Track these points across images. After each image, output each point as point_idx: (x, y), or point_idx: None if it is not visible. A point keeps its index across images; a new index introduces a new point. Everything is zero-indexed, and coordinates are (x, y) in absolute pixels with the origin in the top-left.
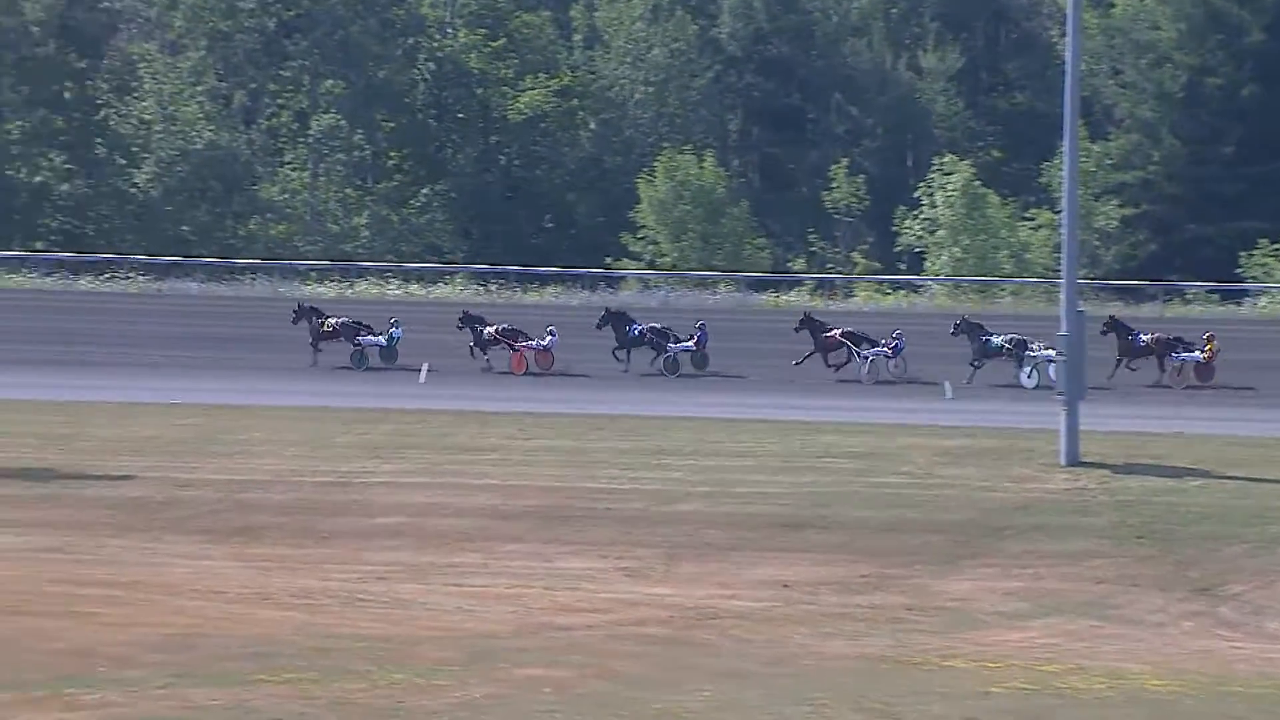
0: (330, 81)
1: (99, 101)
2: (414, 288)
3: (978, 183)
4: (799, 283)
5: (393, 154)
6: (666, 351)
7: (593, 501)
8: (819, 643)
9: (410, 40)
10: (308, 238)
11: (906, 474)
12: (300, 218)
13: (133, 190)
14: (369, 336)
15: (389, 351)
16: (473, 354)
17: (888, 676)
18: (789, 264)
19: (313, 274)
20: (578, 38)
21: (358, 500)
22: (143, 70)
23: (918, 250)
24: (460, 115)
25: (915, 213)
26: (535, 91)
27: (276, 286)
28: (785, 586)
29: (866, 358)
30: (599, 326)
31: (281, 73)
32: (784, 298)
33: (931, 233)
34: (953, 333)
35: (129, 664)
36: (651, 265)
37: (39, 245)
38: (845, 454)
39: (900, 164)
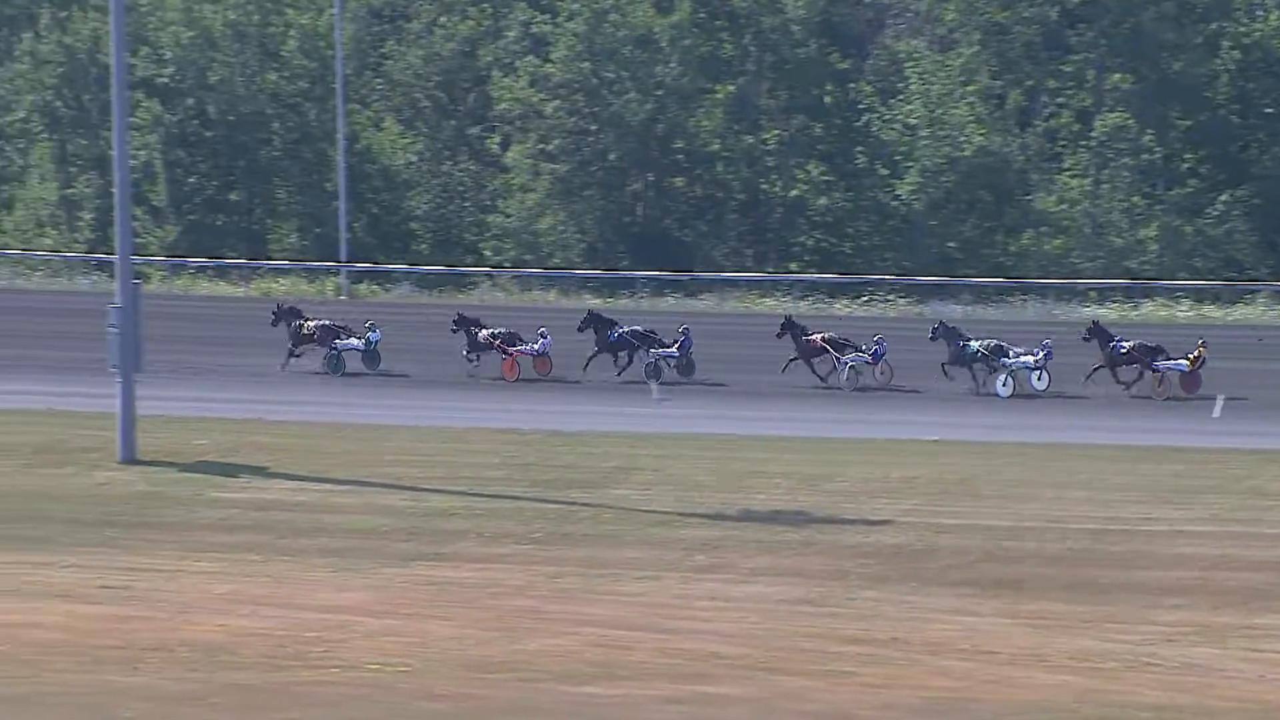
0: (1118, 75)
1: (861, 106)
2: (1209, 308)
3: None
4: None
5: (1187, 155)
6: (648, 357)
7: None
8: None
9: (1213, 26)
10: (1086, 253)
11: None
12: (1079, 231)
13: (894, 203)
14: (346, 340)
15: (370, 355)
16: (467, 358)
17: None
18: None
19: (1092, 294)
20: None
21: (1138, 551)
22: (909, 70)
23: None
24: (1268, 110)
25: None
26: None
27: (1050, 309)
28: None
29: (846, 364)
30: (580, 329)
31: (1062, 68)
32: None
33: None
34: (930, 337)
35: None
36: None
37: (793, 266)
38: None
39: None
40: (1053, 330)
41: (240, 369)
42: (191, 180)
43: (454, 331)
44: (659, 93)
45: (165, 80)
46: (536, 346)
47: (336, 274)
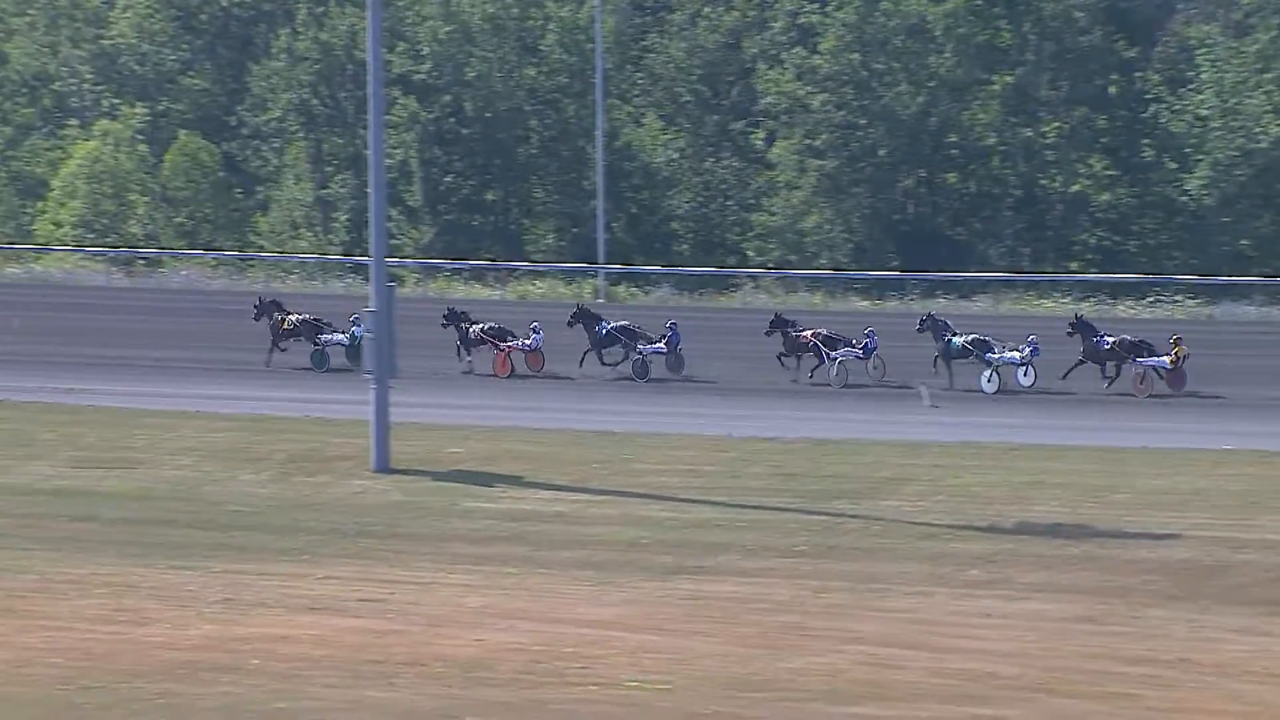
0: None
1: (1148, 96)
2: None
3: None
4: None
5: None
6: (636, 353)
7: None
8: None
9: None
10: None
11: None
12: None
13: (1183, 199)
14: (331, 335)
15: (353, 351)
16: (458, 354)
17: None
18: None
19: None
20: None
21: None
22: (1200, 57)
23: None
24: None
25: None
26: None
27: None
28: None
29: (835, 359)
30: (570, 324)
31: None
32: None
33: None
34: (918, 329)
35: None
36: None
37: (1073, 265)
38: None
39: None
40: None
41: (498, 376)
42: (447, 180)
43: (444, 326)
44: (932, 84)
45: (422, 77)
46: (529, 342)
47: (594, 276)
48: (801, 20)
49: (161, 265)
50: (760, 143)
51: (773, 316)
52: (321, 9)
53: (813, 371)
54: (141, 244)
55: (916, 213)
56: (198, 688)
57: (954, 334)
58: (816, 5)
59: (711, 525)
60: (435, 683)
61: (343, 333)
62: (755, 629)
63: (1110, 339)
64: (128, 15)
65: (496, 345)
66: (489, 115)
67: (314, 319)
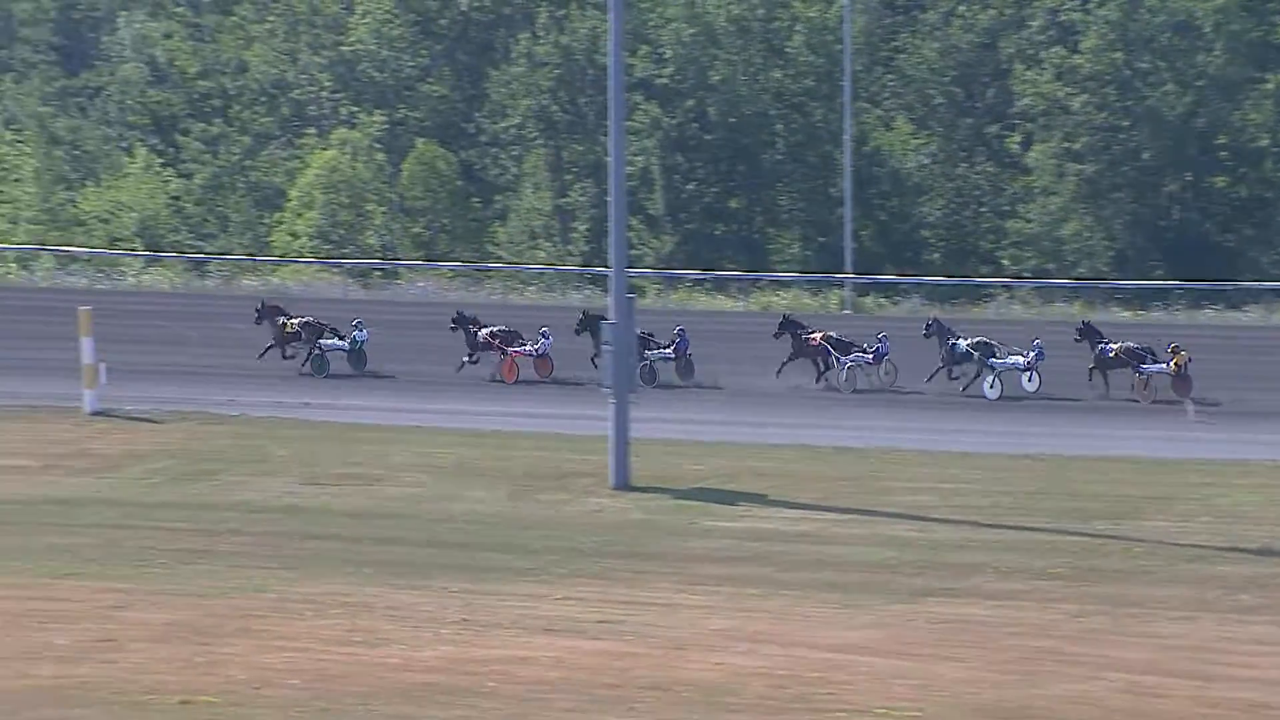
0: None
1: None
2: None
3: None
4: None
5: None
6: (642, 359)
7: None
8: None
9: None
10: None
11: None
12: None
13: None
14: (331, 340)
15: (356, 356)
16: (471, 359)
17: None
18: None
19: None
20: None
21: None
22: None
23: None
24: None
25: None
26: None
27: None
28: None
29: (845, 364)
30: (577, 332)
31: None
32: None
33: None
34: (924, 334)
35: None
36: None
37: None
38: None
39: None
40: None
41: (744, 389)
42: (689, 187)
43: (452, 330)
44: (1200, 84)
45: (664, 81)
46: (537, 347)
47: (841, 286)
48: (1061, 18)
49: (398, 277)
50: (1016, 146)
51: (782, 318)
52: (562, 12)
53: (819, 376)
54: (378, 255)
55: (1182, 218)
56: (434, 710)
57: (957, 338)
58: (1077, 3)
59: (963, 546)
60: (676, 708)
61: (343, 337)
62: (1009, 654)
63: (1113, 346)
64: (366, 21)
65: (503, 350)
66: (733, 120)
67: (316, 322)
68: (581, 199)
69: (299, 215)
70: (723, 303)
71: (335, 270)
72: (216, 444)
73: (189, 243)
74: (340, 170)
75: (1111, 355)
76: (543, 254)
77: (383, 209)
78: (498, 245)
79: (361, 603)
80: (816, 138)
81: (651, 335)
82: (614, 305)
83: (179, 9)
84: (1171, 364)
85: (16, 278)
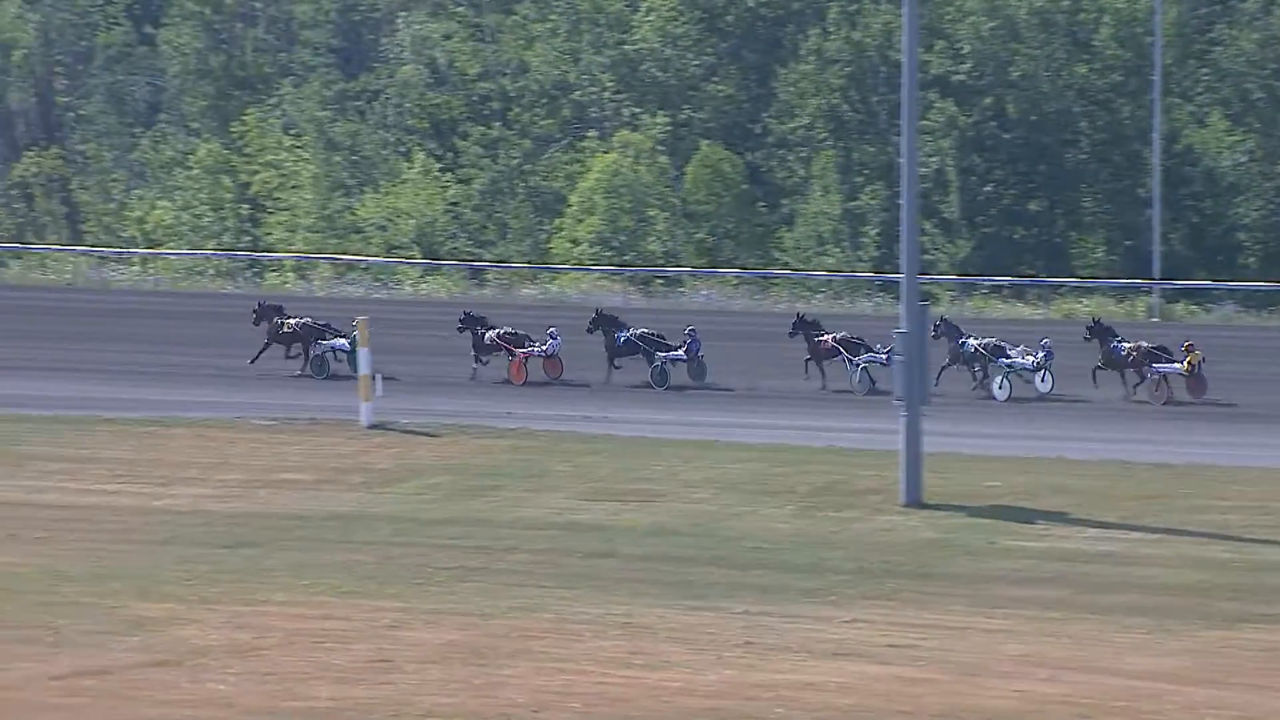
0: None
1: None
2: None
3: None
4: None
5: None
6: (654, 360)
7: None
8: None
9: None
10: None
11: None
12: None
13: None
14: (331, 340)
15: (354, 358)
16: (479, 361)
17: None
18: None
19: None
20: None
21: None
22: None
23: None
24: None
25: None
26: None
27: None
28: None
29: (857, 365)
30: (590, 331)
31: None
32: None
33: None
34: (933, 334)
35: None
36: None
37: None
38: None
39: None
40: None
41: (1025, 396)
42: (986, 189)
43: (460, 331)
44: None
45: (961, 78)
46: (545, 348)
47: (1148, 293)
48: None
49: (681, 285)
50: None
51: (796, 318)
52: (854, 7)
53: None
54: (660, 262)
55: None
56: None
57: (967, 337)
58: None
59: None
60: None
61: (344, 337)
62: None
63: (1127, 345)
64: (651, 19)
65: (511, 351)
66: (1034, 118)
67: (315, 324)
68: (872, 202)
69: (579, 221)
70: (1021, 310)
71: (616, 278)
72: (495, 458)
73: (467, 250)
74: (622, 174)
75: (1124, 354)
76: (831, 260)
77: (665, 214)
78: (784, 251)
79: (642, 623)
80: (1123, 136)
81: (662, 336)
82: (906, 313)
83: (459, 9)
84: (1187, 360)
85: (294, 287)
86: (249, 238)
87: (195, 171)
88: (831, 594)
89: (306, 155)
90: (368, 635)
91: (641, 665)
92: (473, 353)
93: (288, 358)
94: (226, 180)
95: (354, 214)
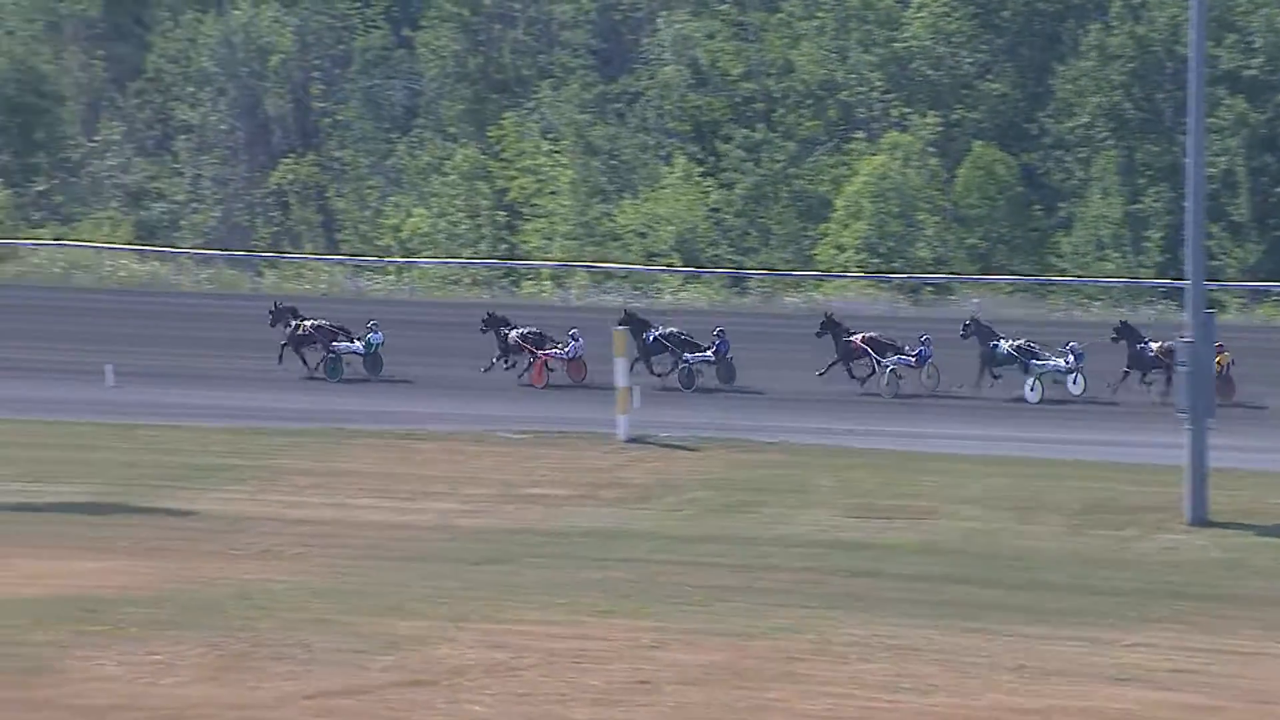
0: None
1: None
2: None
3: None
4: None
5: None
6: (684, 361)
7: None
8: None
9: None
10: None
11: None
12: None
13: None
14: (346, 343)
15: (371, 360)
16: (501, 362)
17: None
18: None
19: None
20: None
21: None
22: None
23: None
24: None
25: None
26: None
27: None
28: None
29: (887, 367)
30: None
31: None
32: None
33: None
34: (962, 335)
35: None
36: None
37: None
38: None
39: None
40: None
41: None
42: (1278, 190)
43: (483, 332)
44: None
45: (1253, 73)
46: (567, 350)
47: None
48: None
49: (951, 292)
50: None
51: (824, 317)
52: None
53: (864, 379)
54: (930, 269)
55: None
56: None
57: (999, 340)
58: None
59: None
60: None
61: (358, 339)
62: None
63: (1155, 345)
64: (922, 15)
65: (533, 352)
66: None
67: (331, 325)
68: (1156, 205)
69: (845, 226)
70: None
71: (883, 285)
72: (755, 473)
73: (728, 257)
74: (890, 177)
75: (1152, 355)
76: (1111, 265)
77: (935, 218)
78: (1061, 256)
79: (909, 645)
80: None
81: (691, 336)
82: (1191, 321)
83: (722, 7)
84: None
85: (550, 295)
86: (505, 245)
87: (452, 177)
88: (1110, 616)
89: (564, 160)
90: (626, 655)
91: (909, 689)
92: (497, 353)
93: (304, 363)
94: (483, 186)
95: (612, 220)
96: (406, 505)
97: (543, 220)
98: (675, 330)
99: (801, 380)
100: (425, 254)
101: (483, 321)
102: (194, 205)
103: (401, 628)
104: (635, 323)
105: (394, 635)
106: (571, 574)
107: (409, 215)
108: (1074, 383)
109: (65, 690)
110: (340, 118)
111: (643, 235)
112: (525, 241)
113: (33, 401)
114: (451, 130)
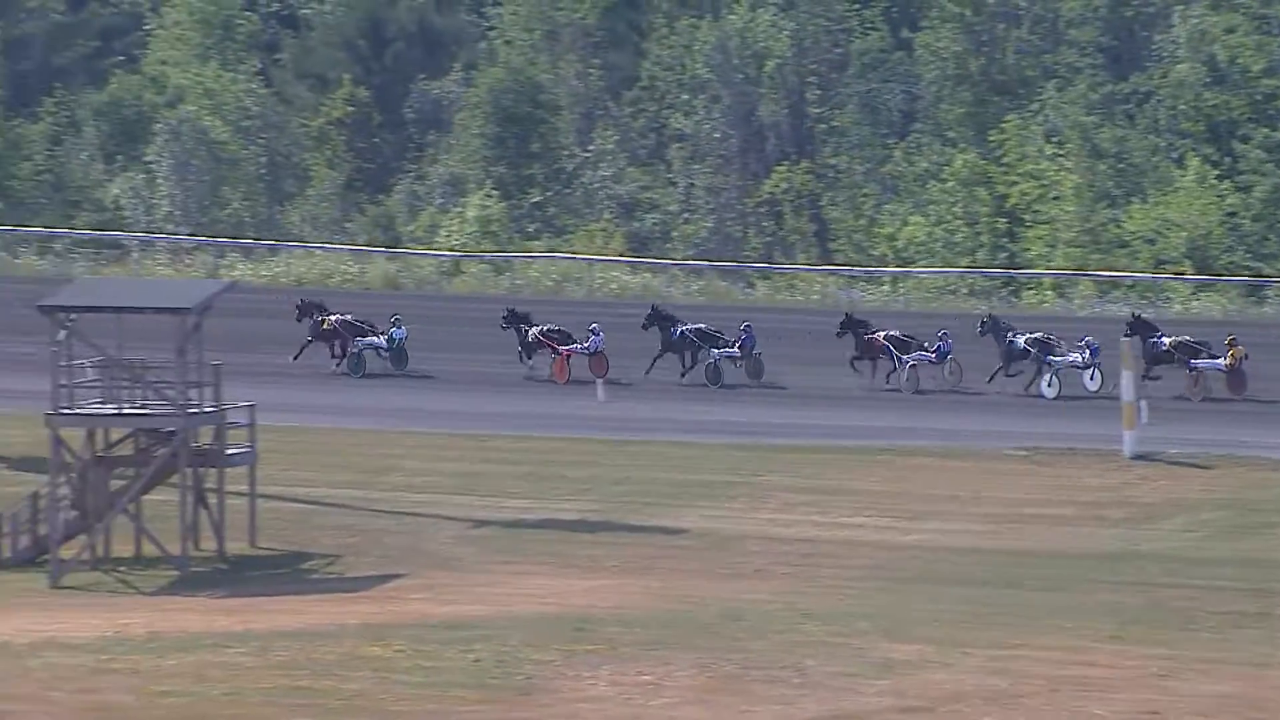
0: None
1: None
2: None
3: None
4: None
5: None
6: (710, 357)
7: None
8: None
9: None
10: None
11: None
12: None
13: None
14: (368, 338)
15: (397, 354)
16: (520, 358)
17: None
18: None
19: None
20: None
21: None
22: None
23: None
24: None
25: None
26: None
27: None
28: None
29: (907, 364)
30: (645, 327)
31: None
32: None
33: None
34: (979, 331)
35: None
36: None
37: None
38: None
39: None
40: None
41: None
42: None
43: (504, 329)
44: None
45: None
46: (588, 345)
47: None
48: None
49: None
50: None
51: (844, 316)
52: None
53: (888, 376)
54: None
55: None
56: None
57: (1015, 335)
58: None
59: None
60: None
61: (382, 334)
62: None
63: (1167, 340)
64: None
65: (554, 349)
66: None
67: (355, 320)
68: None
69: None
70: None
71: None
72: (1272, 492)
73: (1245, 264)
74: None
75: (1165, 350)
76: None
77: None
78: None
79: None
80: None
81: (720, 333)
82: None
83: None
84: (1229, 355)
85: (1052, 305)
86: (1004, 254)
87: (950, 184)
88: None
89: (1069, 164)
90: (1134, 684)
91: None
92: (519, 351)
93: (332, 356)
94: (982, 192)
95: (1119, 226)
96: (908, 525)
97: (1044, 227)
98: (702, 326)
99: None
100: (921, 263)
101: (503, 319)
102: (685, 215)
103: (899, 651)
104: (662, 318)
105: (890, 659)
106: (1078, 598)
107: (905, 224)
108: (1090, 378)
109: (557, 710)
110: (836, 123)
111: (1151, 242)
112: (1026, 249)
113: (529, 417)
114: (950, 135)
